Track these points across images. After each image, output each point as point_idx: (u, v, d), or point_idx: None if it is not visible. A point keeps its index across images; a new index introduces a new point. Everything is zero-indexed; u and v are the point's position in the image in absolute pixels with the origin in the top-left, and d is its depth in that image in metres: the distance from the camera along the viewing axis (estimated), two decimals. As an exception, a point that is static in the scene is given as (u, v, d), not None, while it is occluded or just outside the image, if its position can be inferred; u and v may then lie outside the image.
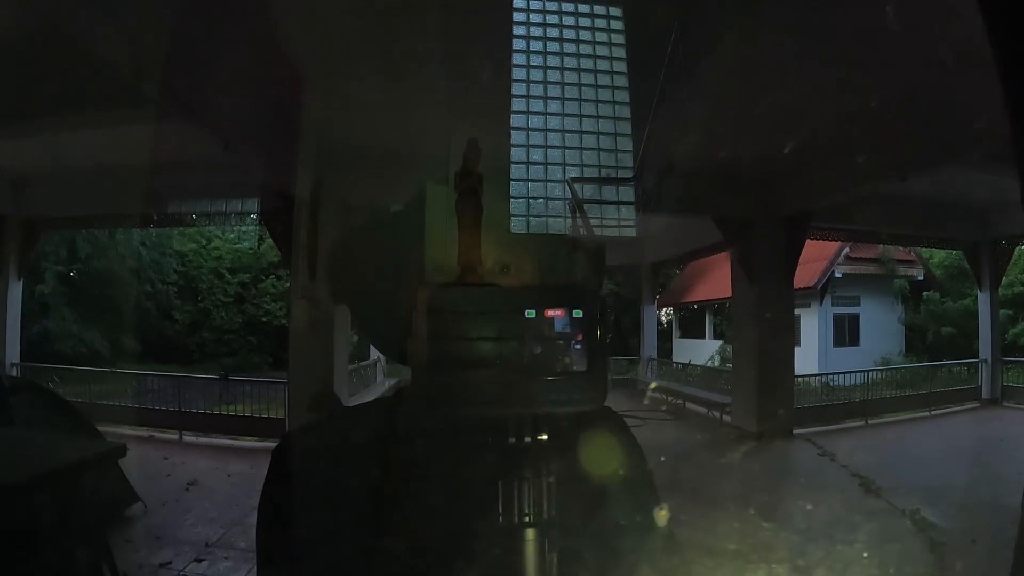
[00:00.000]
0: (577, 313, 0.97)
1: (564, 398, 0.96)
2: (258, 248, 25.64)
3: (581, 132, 7.79)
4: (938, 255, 21.21)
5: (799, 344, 17.40)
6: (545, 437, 0.98)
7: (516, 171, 7.20)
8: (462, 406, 1.01)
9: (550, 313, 0.99)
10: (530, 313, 0.98)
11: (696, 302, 25.07)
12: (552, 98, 7.80)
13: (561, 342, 0.97)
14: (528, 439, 0.99)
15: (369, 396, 12.73)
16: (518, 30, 7.66)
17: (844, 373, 14.80)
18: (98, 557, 4.55)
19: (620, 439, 1.19)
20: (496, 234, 1.37)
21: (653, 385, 17.49)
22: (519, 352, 0.97)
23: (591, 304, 0.99)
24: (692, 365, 18.58)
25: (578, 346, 0.97)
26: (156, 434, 11.28)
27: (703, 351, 23.11)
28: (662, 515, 1.12)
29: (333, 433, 1.31)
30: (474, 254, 1.21)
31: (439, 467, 1.05)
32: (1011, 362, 15.37)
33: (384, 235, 1.38)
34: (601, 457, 1.10)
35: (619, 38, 7.81)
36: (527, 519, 0.96)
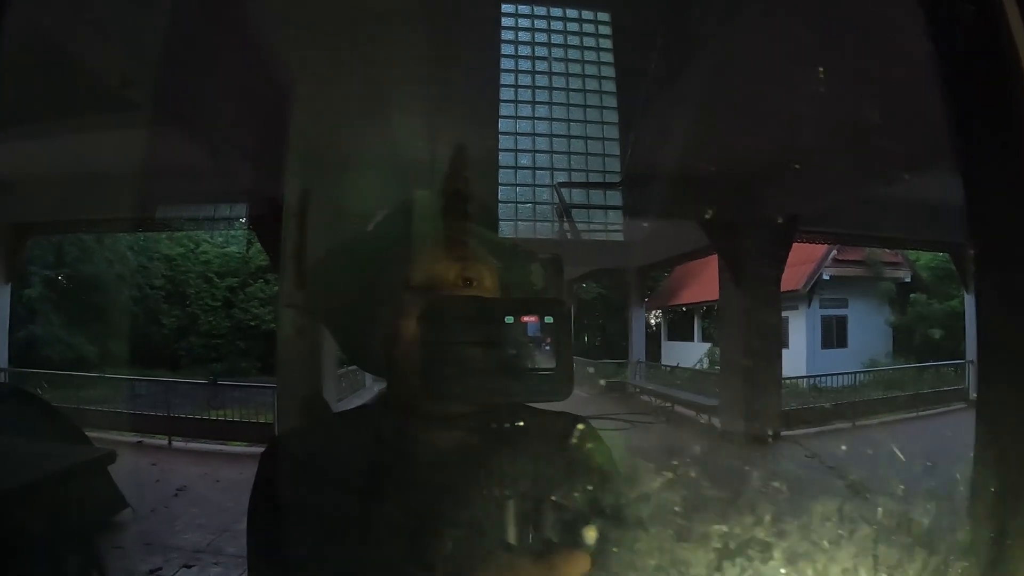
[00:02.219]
0: (548, 319, 1.06)
1: (535, 392, 1.05)
2: (246, 252, 25.59)
3: (569, 137, 7.82)
4: (925, 257, 21.31)
5: (787, 346, 17.49)
6: (520, 425, 1.07)
7: (504, 175, 7.23)
8: (446, 403, 1.09)
9: (525, 319, 1.07)
10: (509, 320, 1.07)
11: (684, 305, 25.15)
12: (540, 103, 7.82)
13: (533, 345, 1.06)
14: (505, 429, 1.08)
15: (357, 401, 12.71)
16: (506, 35, 7.68)
17: (832, 375, 14.87)
18: (88, 563, 4.55)
19: (590, 442, 1.28)
20: (481, 244, 1.42)
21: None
22: (499, 355, 1.06)
23: (560, 311, 1.08)
24: (680, 368, 18.64)
25: (547, 348, 1.06)
26: (144, 439, 11.25)
27: (691, 354, 23.18)
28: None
29: (320, 438, 1.35)
30: (460, 262, 1.28)
31: (424, 468, 1.11)
32: (997, 363, 15.43)
33: (365, 249, 1.43)
34: (571, 460, 1.19)
35: (606, 43, 7.84)
36: (509, 514, 1.03)
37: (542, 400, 1.06)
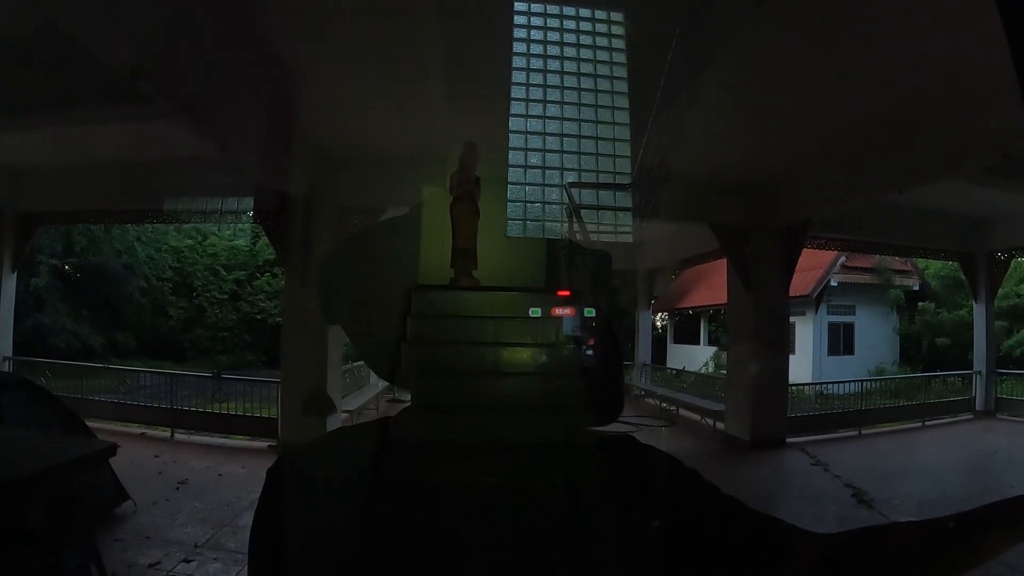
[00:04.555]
0: (589, 312, 0.93)
1: (573, 412, 0.91)
2: (254, 246, 25.65)
3: (580, 137, 7.77)
4: (934, 265, 21.27)
5: (793, 352, 17.40)
6: (549, 465, 0.94)
7: (514, 174, 7.18)
8: (455, 428, 0.98)
9: (558, 312, 0.94)
10: (535, 312, 0.94)
11: (691, 308, 25.09)
12: (551, 102, 7.78)
13: (571, 346, 0.93)
14: (531, 468, 0.94)
15: (362, 397, 12.69)
16: (519, 33, 7.63)
17: (838, 382, 14.78)
18: (86, 556, 4.52)
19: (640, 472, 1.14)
20: (494, 236, 1.35)
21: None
22: (521, 358, 0.94)
23: (605, 304, 0.94)
24: (686, 371, 18.57)
25: (589, 351, 0.93)
26: (148, 431, 11.24)
27: (697, 357, 23.13)
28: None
29: (327, 456, 1.27)
30: (469, 257, 1.19)
31: (433, 497, 1.01)
32: (1005, 374, 15.36)
33: (375, 249, 1.36)
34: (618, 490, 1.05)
35: (620, 43, 7.79)
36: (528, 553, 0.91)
37: (581, 423, 0.95)
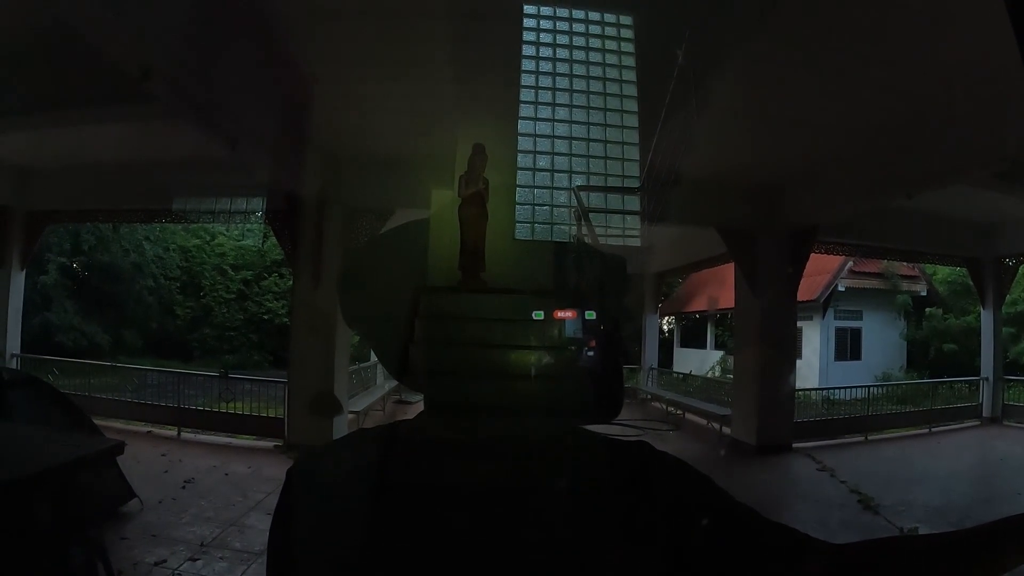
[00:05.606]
0: (590, 315, 0.93)
1: (570, 407, 0.91)
2: (262, 246, 25.68)
3: (588, 140, 7.75)
4: (942, 271, 21.18)
5: (800, 357, 17.35)
6: (552, 460, 0.93)
7: (522, 177, 7.17)
8: (468, 430, 0.97)
9: (560, 315, 0.94)
10: (538, 315, 0.94)
11: (698, 312, 25.03)
12: (560, 105, 7.76)
13: (572, 347, 0.93)
14: (535, 463, 0.93)
15: (368, 398, 12.71)
16: (527, 36, 7.63)
17: (845, 388, 14.74)
18: (93, 554, 4.53)
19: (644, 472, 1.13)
20: (503, 239, 1.35)
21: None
22: (524, 360, 0.94)
23: (606, 307, 0.94)
24: (693, 375, 18.53)
25: (590, 353, 0.92)
26: (154, 430, 11.26)
27: (704, 361, 23.07)
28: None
29: (349, 457, 1.25)
30: (477, 259, 1.18)
31: (450, 493, 1.00)
32: (1012, 380, 15.30)
33: (397, 253, 1.34)
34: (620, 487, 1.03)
35: (628, 46, 7.77)
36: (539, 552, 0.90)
37: (579, 420, 0.95)
